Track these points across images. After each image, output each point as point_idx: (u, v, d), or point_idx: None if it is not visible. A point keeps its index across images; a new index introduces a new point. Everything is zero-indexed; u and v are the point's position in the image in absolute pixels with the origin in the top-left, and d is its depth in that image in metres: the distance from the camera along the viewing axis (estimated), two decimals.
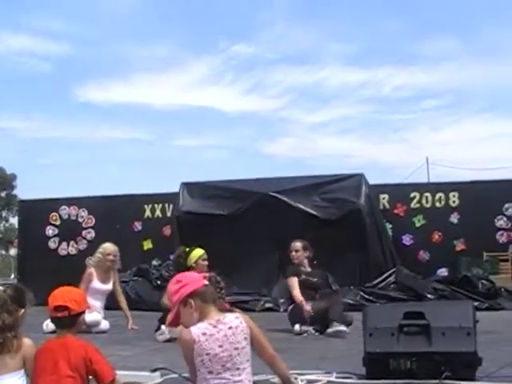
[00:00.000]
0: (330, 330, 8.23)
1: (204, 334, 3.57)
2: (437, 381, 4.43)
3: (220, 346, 3.54)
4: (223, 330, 3.59)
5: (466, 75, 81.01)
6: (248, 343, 3.62)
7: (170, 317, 3.94)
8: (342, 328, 8.16)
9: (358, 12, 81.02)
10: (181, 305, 3.71)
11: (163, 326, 8.17)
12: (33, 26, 76.16)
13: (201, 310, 3.67)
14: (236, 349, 3.57)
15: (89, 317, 8.86)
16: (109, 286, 9.76)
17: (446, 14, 79.28)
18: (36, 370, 3.97)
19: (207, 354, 3.54)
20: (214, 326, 3.59)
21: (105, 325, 9.33)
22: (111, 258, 9.82)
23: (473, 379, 4.55)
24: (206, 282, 3.78)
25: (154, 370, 4.94)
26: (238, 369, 3.56)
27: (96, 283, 9.65)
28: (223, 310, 3.83)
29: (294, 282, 8.88)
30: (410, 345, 4.59)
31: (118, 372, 4.56)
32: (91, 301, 9.31)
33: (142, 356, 6.67)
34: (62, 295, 4.07)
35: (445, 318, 4.64)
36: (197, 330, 3.59)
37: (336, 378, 4.86)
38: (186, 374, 4.70)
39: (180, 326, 3.86)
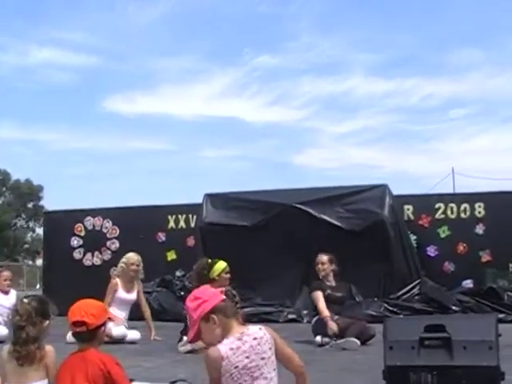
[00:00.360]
0: (339, 341, 8.24)
1: (231, 348, 3.58)
2: None
3: (247, 358, 3.56)
4: (248, 342, 3.60)
5: (492, 85, 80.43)
6: (273, 353, 3.63)
7: (190, 333, 3.93)
8: (352, 339, 8.16)
9: (385, 22, 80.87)
10: (202, 321, 3.71)
11: (185, 338, 8.18)
12: (60, 38, 77.03)
13: (224, 325, 3.67)
14: (263, 359, 3.59)
15: (115, 330, 8.99)
16: (133, 296, 9.81)
17: (471, 24, 78.90)
18: (58, 382, 4.00)
19: (236, 367, 3.54)
20: (239, 339, 3.60)
21: (135, 335, 9.37)
22: (134, 267, 9.88)
23: None
24: (224, 297, 3.79)
25: (174, 382, 4.93)
26: (265, 378, 3.58)
27: (121, 293, 9.71)
28: (243, 323, 3.82)
29: (319, 295, 8.87)
30: (431, 358, 4.53)
31: (138, 383, 4.59)
32: (117, 311, 9.40)
33: (163, 367, 6.68)
34: (79, 310, 4.08)
35: (466, 332, 4.57)
36: (224, 347, 3.59)
37: None
38: None
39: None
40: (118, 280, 9.77)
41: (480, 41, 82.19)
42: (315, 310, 9.01)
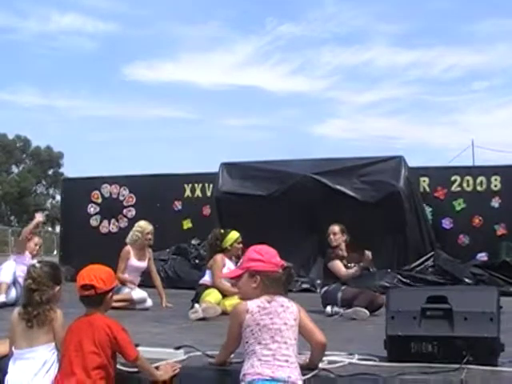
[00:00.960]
0: (348, 311, 8.31)
1: (258, 306, 3.87)
2: (458, 365, 4.41)
3: (271, 319, 3.83)
4: (275, 306, 3.88)
5: None
6: (296, 324, 3.89)
7: (233, 272, 4.22)
8: (360, 309, 8.22)
9: None
10: (247, 273, 4.00)
11: (197, 305, 8.29)
12: (81, 4, 76.86)
13: (262, 290, 3.94)
14: (285, 324, 3.84)
15: (135, 294, 9.17)
16: (144, 264, 9.93)
17: None
18: (63, 346, 4.09)
19: (257, 324, 3.81)
20: (268, 302, 3.89)
21: (149, 302, 9.47)
22: (150, 236, 9.97)
23: (495, 365, 4.52)
24: (280, 270, 4.01)
25: (178, 348, 5.01)
26: (285, 343, 3.80)
27: (133, 261, 9.82)
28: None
29: (340, 264, 8.93)
30: (432, 329, 4.58)
31: (145, 348, 4.67)
32: (130, 278, 9.53)
33: (171, 334, 6.75)
34: (88, 274, 4.15)
35: (468, 303, 4.61)
36: (252, 303, 3.89)
37: (358, 359, 4.88)
38: (210, 352, 4.79)
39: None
40: (130, 248, 9.84)
41: (504, 11, 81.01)
42: (326, 280, 9.06)
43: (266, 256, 4.00)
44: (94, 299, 4.11)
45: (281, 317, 3.84)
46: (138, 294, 9.36)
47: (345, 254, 9.21)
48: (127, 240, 10.00)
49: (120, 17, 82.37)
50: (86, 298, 4.13)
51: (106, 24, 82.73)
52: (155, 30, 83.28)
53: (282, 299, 3.94)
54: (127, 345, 4.11)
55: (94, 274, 4.14)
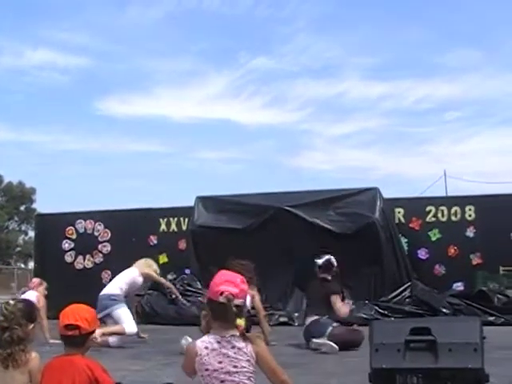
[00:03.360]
0: (318, 341, 8.27)
1: (206, 347, 3.58)
2: None
3: (219, 363, 3.55)
4: (226, 348, 3.57)
5: (488, 86, 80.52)
6: (250, 365, 3.59)
7: None
8: (333, 345, 8.14)
9: (379, 25, 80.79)
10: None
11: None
12: (53, 39, 76.61)
13: (214, 321, 3.67)
14: (235, 366, 3.55)
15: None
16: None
17: (469, 25, 78.97)
18: None
19: (206, 370, 3.55)
20: (218, 342, 3.59)
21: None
22: None
23: None
24: (221, 300, 3.61)
25: None
26: None
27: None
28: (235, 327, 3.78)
29: (340, 300, 8.95)
30: (417, 361, 4.55)
31: None
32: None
33: (151, 371, 6.67)
34: (73, 313, 4.05)
35: (451, 334, 4.59)
36: (201, 344, 3.61)
37: None
38: None
39: None
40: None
41: (475, 42, 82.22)
42: (319, 310, 8.80)
43: (212, 283, 3.74)
44: (78, 339, 4.02)
45: (231, 359, 3.55)
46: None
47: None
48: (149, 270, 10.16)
49: (92, 51, 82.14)
50: (69, 338, 4.04)
51: (78, 58, 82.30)
52: (128, 65, 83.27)
53: (234, 339, 3.60)
54: None
55: (79, 314, 4.05)
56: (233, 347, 3.59)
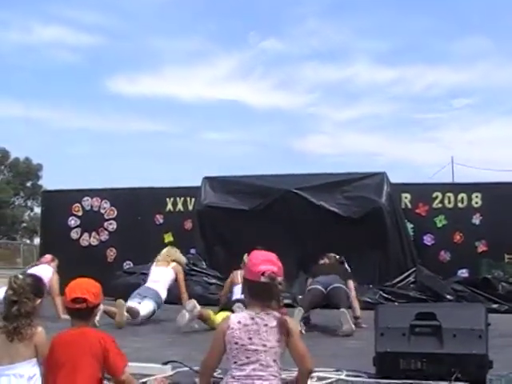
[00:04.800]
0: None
1: (239, 322, 3.65)
2: (447, 382, 4.41)
3: (249, 339, 3.61)
4: (258, 325, 3.63)
5: (498, 75, 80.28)
6: (280, 346, 3.62)
7: None
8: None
9: (390, 9, 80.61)
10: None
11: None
12: (64, 17, 76.58)
13: (250, 300, 3.76)
14: (264, 345, 3.60)
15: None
16: None
17: (480, 12, 78.62)
18: (54, 360, 3.97)
19: (235, 343, 3.61)
20: (252, 318, 3.65)
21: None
22: None
23: (483, 381, 4.52)
24: (262, 279, 3.67)
25: (166, 363, 4.97)
26: (261, 364, 3.59)
27: None
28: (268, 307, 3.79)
29: None
30: (421, 345, 4.58)
31: (131, 364, 4.60)
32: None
33: (156, 349, 6.70)
34: (80, 287, 4.08)
35: (457, 320, 4.62)
36: (235, 318, 3.69)
37: (346, 376, 4.87)
38: (197, 368, 4.75)
39: None
40: None
41: (485, 30, 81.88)
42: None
43: (249, 263, 3.80)
44: (84, 312, 4.05)
45: (261, 337, 3.60)
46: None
47: None
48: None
49: (102, 30, 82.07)
50: (76, 311, 4.07)
51: (88, 37, 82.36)
52: (138, 44, 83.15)
53: (268, 317, 3.64)
54: (118, 359, 4.03)
55: (86, 287, 4.08)
56: (265, 325, 3.63)
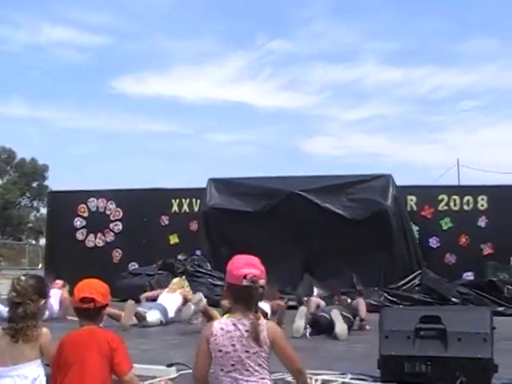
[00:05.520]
0: None
1: (222, 328, 3.62)
2: None
3: (233, 345, 3.58)
4: (240, 331, 3.60)
5: (505, 77, 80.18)
6: (263, 351, 3.59)
7: None
8: None
9: (398, 11, 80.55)
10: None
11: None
12: (72, 17, 76.66)
13: (233, 305, 3.72)
14: (247, 352, 3.57)
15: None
16: None
17: (487, 14, 78.44)
18: (63, 360, 3.97)
19: (219, 351, 3.58)
20: (234, 324, 3.62)
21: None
22: None
23: None
24: (244, 283, 3.63)
25: (170, 365, 4.97)
26: (247, 370, 3.57)
27: None
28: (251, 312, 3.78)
29: None
30: (426, 349, 4.57)
31: (136, 365, 4.61)
32: None
33: (161, 350, 6.71)
34: (88, 287, 4.09)
35: (461, 324, 4.61)
36: (217, 325, 3.65)
37: (350, 379, 4.86)
38: None
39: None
40: None
41: (492, 32, 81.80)
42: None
43: (230, 267, 3.72)
44: (92, 312, 4.06)
45: (243, 343, 3.57)
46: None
47: None
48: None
49: (110, 30, 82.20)
50: (84, 310, 4.07)
51: (96, 37, 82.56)
52: (146, 44, 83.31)
53: (250, 323, 3.60)
54: (124, 359, 4.04)
55: (94, 287, 4.10)
56: (247, 331, 3.60)
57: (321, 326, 8.40)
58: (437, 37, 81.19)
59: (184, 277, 11.13)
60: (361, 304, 9.04)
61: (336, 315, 8.20)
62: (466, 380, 4.42)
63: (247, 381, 3.57)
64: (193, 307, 8.34)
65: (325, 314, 8.54)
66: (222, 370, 3.60)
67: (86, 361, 3.89)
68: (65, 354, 3.96)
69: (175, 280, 10.58)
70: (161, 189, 15.38)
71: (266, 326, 3.66)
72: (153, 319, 9.22)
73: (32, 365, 4.12)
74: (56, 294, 10.09)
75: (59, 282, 10.79)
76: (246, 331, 3.60)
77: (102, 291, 4.09)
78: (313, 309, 8.82)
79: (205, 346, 3.65)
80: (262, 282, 3.66)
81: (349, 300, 9.47)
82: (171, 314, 9.50)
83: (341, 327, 8.04)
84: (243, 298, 3.66)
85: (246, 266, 3.69)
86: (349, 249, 11.20)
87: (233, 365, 3.57)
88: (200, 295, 8.54)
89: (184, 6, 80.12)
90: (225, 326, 3.62)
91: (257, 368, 3.59)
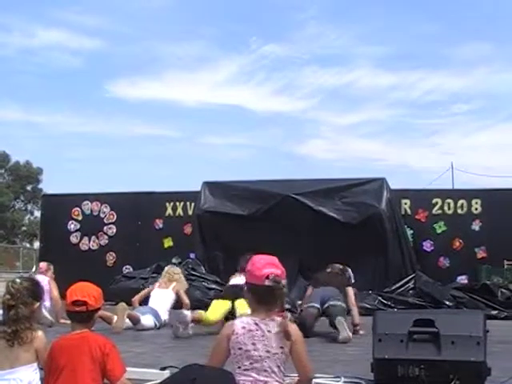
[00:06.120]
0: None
1: (243, 327, 3.64)
2: None
3: (253, 344, 3.60)
4: (262, 330, 3.62)
5: (498, 80, 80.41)
6: (283, 352, 3.61)
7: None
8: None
9: (391, 15, 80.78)
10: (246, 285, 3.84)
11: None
12: (66, 20, 76.57)
13: (254, 304, 3.73)
14: (267, 352, 3.59)
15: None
16: None
17: (480, 18, 78.76)
18: (55, 364, 3.96)
19: (239, 349, 3.61)
20: (256, 324, 3.64)
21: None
22: None
23: None
24: (267, 283, 3.66)
25: (164, 368, 4.97)
26: (265, 371, 3.58)
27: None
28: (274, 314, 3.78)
29: None
30: (419, 352, 4.57)
31: (130, 369, 4.60)
32: None
33: (154, 354, 6.70)
34: (81, 290, 4.09)
35: (455, 327, 4.61)
36: (239, 323, 3.67)
37: (344, 382, 4.87)
38: None
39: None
40: None
41: (485, 35, 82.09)
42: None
43: (252, 267, 3.74)
44: (84, 316, 4.06)
45: (264, 343, 3.59)
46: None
47: None
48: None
49: (105, 34, 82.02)
50: (76, 314, 4.07)
51: (90, 40, 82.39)
52: (140, 48, 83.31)
53: (272, 323, 3.63)
54: (117, 364, 4.03)
55: (87, 290, 4.09)
56: (269, 331, 3.62)
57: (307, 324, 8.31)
58: (429, 40, 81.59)
59: (176, 264, 11.09)
60: (349, 291, 9.03)
61: (340, 323, 8.14)
62: (459, 383, 4.43)
63: (264, 381, 3.58)
64: (180, 327, 8.36)
65: (315, 305, 8.54)
66: (239, 367, 3.61)
67: (77, 365, 3.88)
68: (56, 358, 3.95)
69: (167, 268, 10.56)
70: (155, 192, 15.35)
71: (288, 327, 3.66)
72: (147, 323, 9.21)
73: (28, 368, 4.12)
74: (43, 281, 9.97)
75: (43, 266, 10.64)
76: (269, 331, 3.61)
77: (94, 295, 4.09)
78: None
79: (224, 343, 3.67)
80: (284, 281, 3.69)
81: (341, 266, 9.47)
82: (164, 316, 9.48)
83: (345, 336, 8.02)
84: (266, 298, 3.68)
85: (268, 266, 3.72)
86: (343, 252, 11.17)
87: (251, 363, 3.59)
88: (181, 313, 8.50)
89: (178, 10, 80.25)
90: (247, 325, 3.64)
91: (275, 369, 3.60)
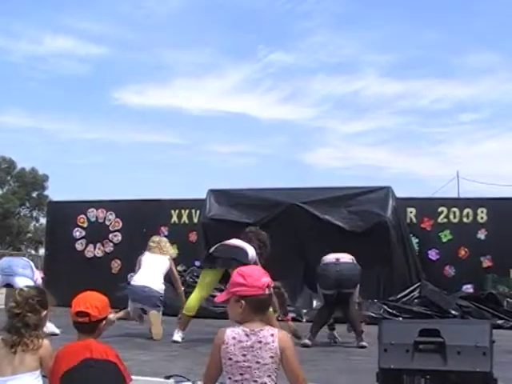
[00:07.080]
0: None
1: (234, 338, 3.61)
2: None
3: (243, 355, 3.57)
4: (252, 341, 3.60)
5: (505, 89, 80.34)
6: (274, 362, 3.58)
7: (221, 296, 3.94)
8: None
9: (398, 23, 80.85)
10: (233, 298, 3.73)
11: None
12: (73, 27, 76.71)
13: (248, 314, 3.68)
14: (257, 362, 3.57)
15: None
16: None
17: (487, 27, 78.70)
18: (54, 373, 3.97)
19: (229, 359, 3.58)
20: (246, 335, 3.61)
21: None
22: None
23: None
24: (267, 292, 3.69)
25: (168, 377, 4.96)
26: (255, 381, 3.56)
27: None
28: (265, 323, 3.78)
29: None
30: (425, 362, 4.54)
31: (134, 377, 4.60)
32: None
33: (159, 362, 6.69)
34: (84, 301, 4.09)
35: (461, 337, 4.58)
36: (230, 333, 3.64)
37: None
38: (200, 382, 4.73)
39: None
40: None
41: (493, 45, 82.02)
42: None
43: (248, 280, 3.70)
44: (88, 326, 4.06)
45: (254, 354, 3.56)
46: None
47: None
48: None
49: (112, 41, 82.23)
50: (80, 324, 4.07)
51: (97, 47, 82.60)
52: (146, 55, 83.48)
53: (263, 333, 3.61)
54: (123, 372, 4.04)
55: (90, 301, 4.09)
56: (259, 342, 3.60)
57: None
58: (437, 49, 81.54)
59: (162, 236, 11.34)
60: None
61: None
62: None
63: None
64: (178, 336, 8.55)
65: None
66: (229, 378, 3.59)
67: None
68: (60, 365, 3.96)
69: (153, 237, 10.62)
70: (160, 199, 15.37)
71: (278, 335, 3.64)
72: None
73: (31, 376, 4.12)
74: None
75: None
76: (259, 342, 3.59)
77: (97, 305, 4.08)
78: None
79: (217, 352, 3.64)
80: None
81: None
82: (162, 288, 9.86)
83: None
84: (263, 308, 3.71)
85: (264, 275, 3.74)
86: None
87: (241, 374, 3.56)
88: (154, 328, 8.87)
89: (185, 18, 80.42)
90: (237, 336, 3.61)
91: (265, 379, 3.57)
